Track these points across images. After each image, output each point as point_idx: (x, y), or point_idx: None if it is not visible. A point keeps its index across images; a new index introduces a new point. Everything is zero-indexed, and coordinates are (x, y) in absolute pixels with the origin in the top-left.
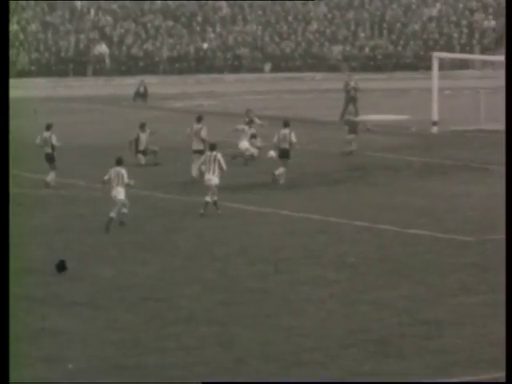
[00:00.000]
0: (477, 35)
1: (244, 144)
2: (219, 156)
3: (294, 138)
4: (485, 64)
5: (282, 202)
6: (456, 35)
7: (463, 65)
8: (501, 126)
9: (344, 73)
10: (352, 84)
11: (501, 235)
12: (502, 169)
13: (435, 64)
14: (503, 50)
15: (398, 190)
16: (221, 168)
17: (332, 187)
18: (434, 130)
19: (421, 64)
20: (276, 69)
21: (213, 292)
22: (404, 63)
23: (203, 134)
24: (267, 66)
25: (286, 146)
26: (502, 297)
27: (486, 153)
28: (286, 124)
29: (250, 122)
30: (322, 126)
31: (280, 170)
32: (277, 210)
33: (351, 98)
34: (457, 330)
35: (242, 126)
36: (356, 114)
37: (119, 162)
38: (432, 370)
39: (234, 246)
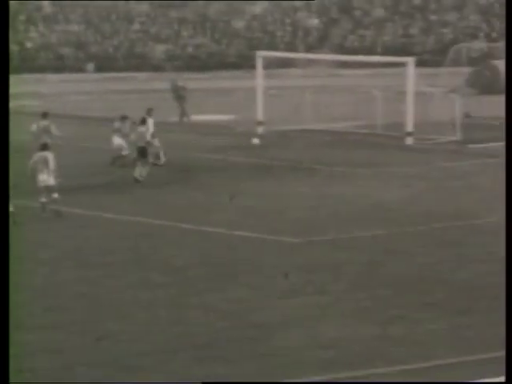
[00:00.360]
0: (300, 33)
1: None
2: (50, 156)
3: (148, 137)
4: (309, 63)
5: (108, 204)
6: (280, 33)
7: (288, 63)
8: (325, 125)
9: (168, 72)
10: (180, 84)
11: (328, 236)
12: (328, 169)
13: (259, 63)
14: (327, 49)
15: (224, 191)
16: (50, 169)
17: (157, 189)
18: (260, 130)
19: (245, 63)
20: (100, 69)
21: (39, 297)
22: (228, 62)
23: (53, 129)
24: (90, 66)
25: (142, 144)
26: (329, 298)
27: (312, 153)
28: (142, 121)
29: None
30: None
31: (138, 171)
32: (102, 212)
33: (181, 98)
34: (285, 333)
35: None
36: (183, 114)
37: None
38: (261, 373)
39: (60, 249)
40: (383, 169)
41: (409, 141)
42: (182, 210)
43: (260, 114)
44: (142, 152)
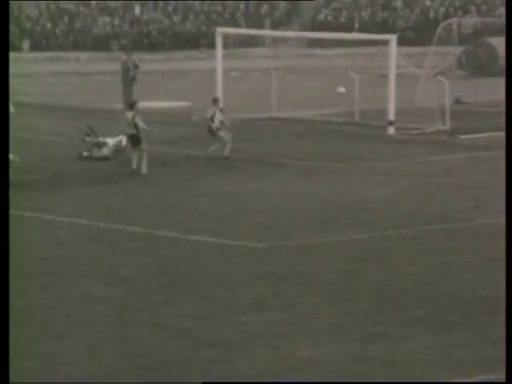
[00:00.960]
0: (266, 7)
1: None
2: None
3: (140, 123)
4: (276, 41)
5: (44, 204)
6: (242, 7)
7: (252, 42)
8: (295, 113)
9: (113, 52)
10: (131, 63)
11: (297, 241)
12: (299, 163)
13: (219, 41)
14: (297, 26)
15: (177, 189)
16: None
17: (102, 187)
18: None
19: (202, 41)
20: (35, 47)
21: None
22: (183, 40)
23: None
24: (25, 44)
25: (134, 131)
26: (300, 312)
27: (279, 145)
28: (131, 106)
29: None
30: (89, 115)
31: (137, 162)
32: (38, 213)
33: (132, 79)
34: (247, 352)
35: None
36: (128, 96)
37: None
38: None
39: None
40: (361, 163)
41: (391, 131)
42: (130, 210)
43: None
44: (134, 139)
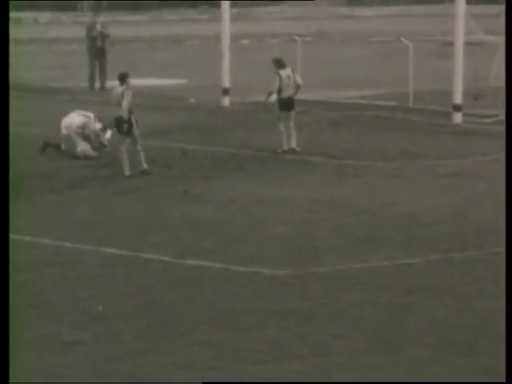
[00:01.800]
0: None
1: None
2: None
3: (126, 100)
4: None
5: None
6: None
7: None
8: (327, 94)
9: (83, 12)
10: (98, 28)
11: (328, 266)
12: (332, 162)
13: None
14: None
15: (169, 196)
16: None
17: (69, 195)
18: (225, 102)
19: None
20: None
21: None
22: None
23: None
24: None
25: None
26: (329, 361)
27: (306, 137)
28: (122, 78)
29: None
30: (52, 96)
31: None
32: None
33: (98, 51)
34: None
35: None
36: (102, 77)
37: None
38: None
39: None
40: (417, 162)
41: (457, 118)
42: (105, 226)
43: (226, 77)
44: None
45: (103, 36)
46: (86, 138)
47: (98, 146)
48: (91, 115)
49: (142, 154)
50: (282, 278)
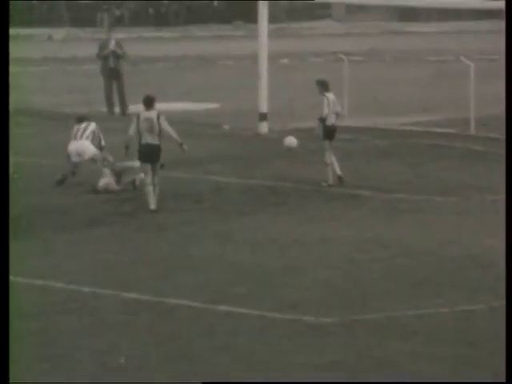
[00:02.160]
0: None
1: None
2: None
3: (170, 129)
4: (350, 11)
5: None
6: None
7: (312, 13)
8: (378, 120)
9: (103, 28)
10: (111, 47)
11: (379, 313)
12: (382, 196)
13: (263, 11)
14: None
15: (199, 234)
16: None
17: (85, 233)
18: (263, 127)
19: (237, 13)
20: None
21: None
22: (208, 11)
23: None
24: None
25: (156, 141)
26: None
27: (353, 168)
28: (149, 103)
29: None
30: (65, 122)
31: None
32: None
33: (111, 72)
34: None
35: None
36: (121, 101)
37: None
38: None
39: None
40: (478, 196)
41: None
42: (126, 267)
43: (263, 101)
44: (155, 154)
45: (116, 55)
46: (117, 173)
47: (127, 184)
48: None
49: (156, 191)
50: (326, 326)
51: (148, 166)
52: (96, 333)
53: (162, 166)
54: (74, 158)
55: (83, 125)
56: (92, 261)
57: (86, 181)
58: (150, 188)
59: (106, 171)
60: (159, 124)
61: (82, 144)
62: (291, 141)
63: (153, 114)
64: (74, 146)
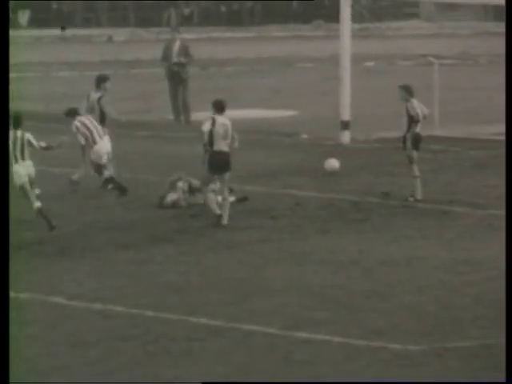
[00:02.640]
0: None
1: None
2: None
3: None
4: (440, 9)
5: (54, 278)
6: None
7: (398, 12)
8: (472, 129)
9: (169, 28)
10: (175, 49)
11: (475, 341)
12: (477, 213)
13: (345, 10)
14: None
15: (274, 253)
16: None
17: (149, 251)
18: (345, 137)
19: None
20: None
21: None
22: (285, 9)
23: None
24: (23, 16)
25: (226, 148)
26: None
27: (445, 182)
28: (220, 108)
29: None
30: (128, 132)
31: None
32: (42, 294)
33: (174, 77)
34: None
35: None
36: (186, 107)
37: None
38: None
39: None
40: None
41: None
42: (194, 289)
43: (346, 108)
44: (225, 163)
45: (180, 57)
46: (192, 190)
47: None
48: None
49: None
50: (415, 354)
51: (215, 177)
52: (160, 362)
53: (244, 199)
54: (105, 160)
55: (87, 120)
56: (156, 282)
57: (151, 194)
58: (212, 195)
59: (179, 185)
60: (232, 131)
61: (108, 141)
62: (332, 163)
63: (227, 119)
64: (103, 146)
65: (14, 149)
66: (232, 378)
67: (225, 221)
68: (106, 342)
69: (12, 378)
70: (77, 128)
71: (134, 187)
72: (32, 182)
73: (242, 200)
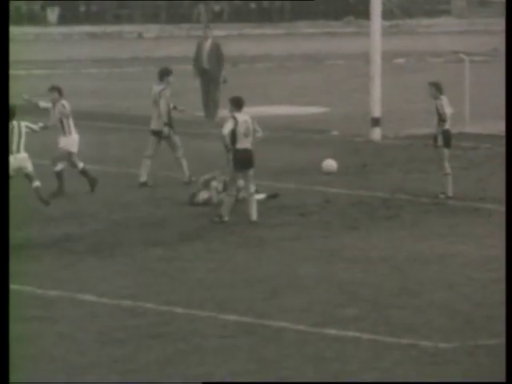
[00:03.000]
0: None
1: None
2: None
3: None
4: (471, 4)
5: (83, 275)
6: None
7: (430, 8)
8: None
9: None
10: (207, 46)
11: (504, 338)
12: (501, 208)
13: (376, 6)
14: None
15: (303, 251)
16: None
17: (179, 248)
18: (376, 134)
19: (345, 8)
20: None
21: None
22: (315, 5)
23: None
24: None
25: (248, 145)
26: None
27: (477, 179)
28: (239, 104)
29: None
30: (142, 128)
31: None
32: (71, 292)
33: (204, 73)
34: None
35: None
36: (215, 104)
37: None
38: None
39: None
40: None
41: None
42: (225, 287)
43: (376, 105)
44: (249, 159)
45: (212, 55)
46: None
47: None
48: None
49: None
50: (445, 352)
51: (240, 174)
52: (191, 359)
53: (274, 196)
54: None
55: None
56: (186, 279)
57: (181, 191)
58: (232, 199)
59: (213, 185)
60: (253, 125)
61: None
62: (329, 164)
63: (247, 116)
64: (76, 138)
65: (11, 141)
66: (262, 374)
67: (254, 217)
68: (136, 340)
69: (40, 377)
70: (63, 107)
71: (164, 184)
72: (29, 175)
73: (272, 197)
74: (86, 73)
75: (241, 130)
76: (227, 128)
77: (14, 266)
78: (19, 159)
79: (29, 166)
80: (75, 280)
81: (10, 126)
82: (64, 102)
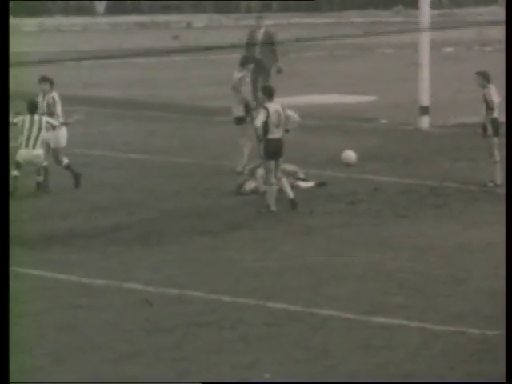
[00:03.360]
0: None
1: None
2: None
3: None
4: None
5: (127, 264)
6: None
7: None
8: None
9: (250, 14)
10: (259, 36)
11: None
12: None
13: None
14: None
15: (351, 239)
16: None
17: (226, 237)
18: (424, 122)
19: None
20: (113, 9)
21: None
22: None
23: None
24: (100, 4)
25: (280, 134)
26: None
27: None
28: (270, 93)
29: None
30: (191, 118)
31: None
32: (116, 280)
33: (257, 63)
34: None
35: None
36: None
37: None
38: None
39: None
40: None
41: None
42: (272, 275)
43: (425, 94)
44: (280, 148)
45: (264, 45)
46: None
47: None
48: None
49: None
50: (493, 340)
51: (273, 163)
52: (238, 347)
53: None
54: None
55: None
56: (233, 268)
57: (229, 180)
58: (274, 188)
59: (259, 173)
60: (285, 112)
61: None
62: (349, 156)
63: (278, 105)
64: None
65: (29, 135)
66: (310, 363)
67: (290, 195)
68: (183, 328)
69: (85, 366)
70: (53, 99)
71: (212, 174)
72: (38, 170)
73: (320, 185)
74: (134, 62)
75: (272, 120)
76: (260, 120)
77: (61, 255)
78: (33, 155)
79: (39, 163)
80: (122, 269)
81: (31, 120)
82: (54, 94)
